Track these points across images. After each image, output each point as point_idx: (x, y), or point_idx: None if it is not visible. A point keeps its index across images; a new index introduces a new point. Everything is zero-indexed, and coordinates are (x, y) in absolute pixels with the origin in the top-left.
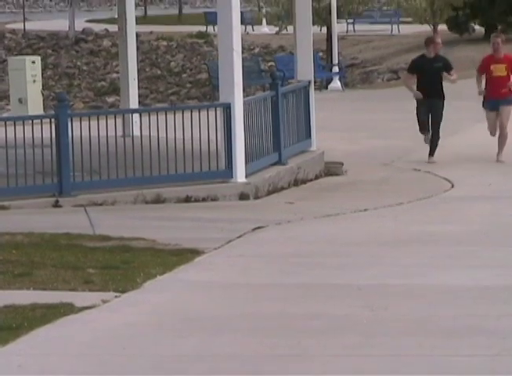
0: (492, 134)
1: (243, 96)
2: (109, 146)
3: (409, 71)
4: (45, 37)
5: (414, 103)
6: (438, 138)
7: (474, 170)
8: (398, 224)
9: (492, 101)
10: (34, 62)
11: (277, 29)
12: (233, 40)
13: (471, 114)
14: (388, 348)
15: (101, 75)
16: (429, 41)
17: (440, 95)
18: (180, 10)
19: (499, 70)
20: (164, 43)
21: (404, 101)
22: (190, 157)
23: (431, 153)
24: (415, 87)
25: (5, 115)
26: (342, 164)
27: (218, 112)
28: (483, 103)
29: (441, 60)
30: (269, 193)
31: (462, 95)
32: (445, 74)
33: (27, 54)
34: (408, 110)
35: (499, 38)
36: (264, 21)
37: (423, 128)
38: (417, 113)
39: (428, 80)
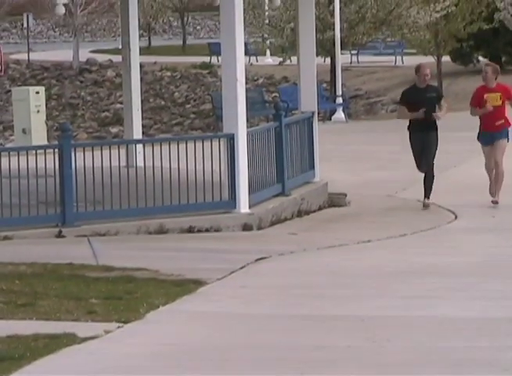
0: (489, 171)
1: (247, 127)
2: (112, 177)
3: (402, 103)
4: (49, 68)
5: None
6: (433, 176)
7: (477, 201)
8: (401, 256)
9: (486, 134)
10: (38, 92)
11: (281, 60)
12: (237, 71)
13: (474, 146)
14: None
15: (105, 105)
16: (418, 69)
17: (434, 128)
18: (184, 41)
19: (493, 99)
20: (168, 74)
21: (407, 132)
22: (194, 187)
23: (427, 194)
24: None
25: (8, 145)
26: (345, 195)
27: (221, 143)
28: (478, 135)
29: (433, 90)
30: (272, 223)
31: (464, 127)
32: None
33: (31, 84)
34: None
35: (489, 67)
36: (268, 52)
37: (420, 165)
38: (412, 149)
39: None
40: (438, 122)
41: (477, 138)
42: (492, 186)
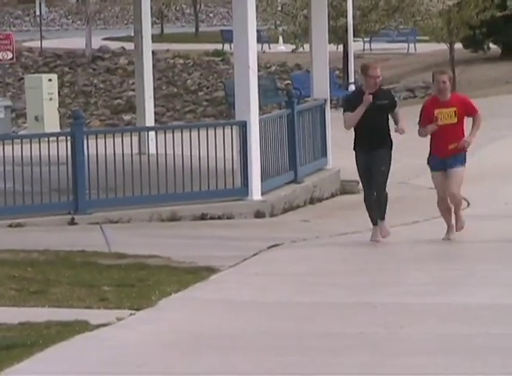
0: (444, 211)
1: (259, 114)
2: (125, 164)
3: (348, 109)
4: (62, 56)
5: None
6: (386, 200)
7: (490, 189)
8: (413, 242)
9: (437, 159)
10: (50, 80)
11: (293, 47)
12: (249, 58)
13: (487, 134)
14: (403, 368)
15: (117, 93)
16: (365, 70)
17: (386, 144)
18: (197, 28)
19: (447, 116)
20: (181, 61)
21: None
22: (206, 174)
23: (380, 217)
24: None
25: (21, 133)
26: (358, 182)
27: (234, 130)
28: (428, 159)
29: (385, 96)
30: (285, 211)
31: None
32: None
33: (44, 72)
34: None
35: (445, 75)
36: (280, 39)
37: (367, 198)
38: (359, 174)
39: (369, 124)
40: (392, 136)
41: (428, 162)
42: (449, 228)
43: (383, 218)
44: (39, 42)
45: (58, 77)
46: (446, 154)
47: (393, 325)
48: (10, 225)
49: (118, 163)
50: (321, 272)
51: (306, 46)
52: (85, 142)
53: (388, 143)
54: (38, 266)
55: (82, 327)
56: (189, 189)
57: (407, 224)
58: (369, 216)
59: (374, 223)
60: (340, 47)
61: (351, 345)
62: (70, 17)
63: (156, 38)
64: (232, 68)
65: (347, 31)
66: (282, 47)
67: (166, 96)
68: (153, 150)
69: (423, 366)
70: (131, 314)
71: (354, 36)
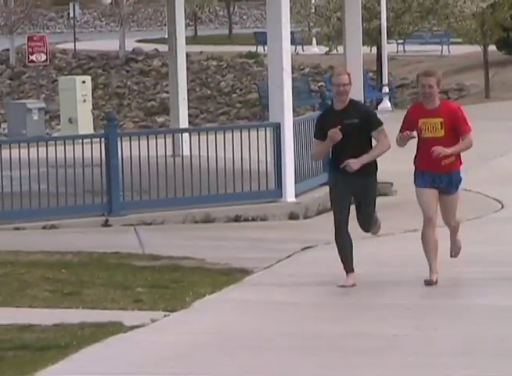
0: (430, 227)
1: (293, 116)
2: (158, 166)
3: (315, 136)
4: (96, 57)
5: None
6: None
7: None
8: (447, 245)
9: (425, 174)
10: (84, 82)
11: (327, 49)
12: (283, 60)
13: None
14: (437, 369)
15: (151, 95)
16: (331, 80)
17: (367, 170)
18: (230, 30)
19: (432, 127)
20: (214, 63)
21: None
22: (240, 176)
23: (350, 268)
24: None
25: (55, 135)
26: (392, 184)
27: (267, 132)
28: (414, 174)
29: (358, 113)
30: (319, 213)
31: (509, 116)
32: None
33: (78, 74)
34: None
35: (431, 78)
36: (314, 41)
37: (339, 234)
38: (332, 205)
39: (341, 147)
40: (377, 162)
41: (414, 180)
42: (432, 264)
43: (352, 267)
44: (73, 44)
45: (91, 79)
46: (437, 169)
47: (427, 327)
48: (44, 227)
49: (152, 165)
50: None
51: (339, 48)
52: (119, 144)
53: (370, 168)
54: (72, 268)
55: (116, 328)
56: (223, 191)
57: (441, 226)
58: (342, 260)
59: (349, 270)
60: (374, 49)
61: (386, 347)
62: (103, 19)
63: (189, 40)
64: (265, 70)
65: (380, 33)
66: (315, 49)
67: (199, 98)
68: (186, 152)
69: (457, 367)
70: (165, 315)
71: (387, 38)
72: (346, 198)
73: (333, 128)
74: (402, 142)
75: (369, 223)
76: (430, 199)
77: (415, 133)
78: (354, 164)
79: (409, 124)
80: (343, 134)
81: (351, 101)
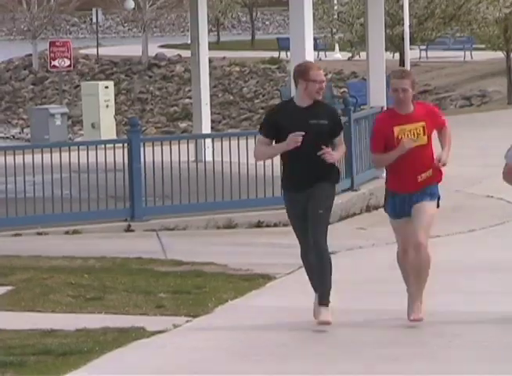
0: (405, 256)
1: None
2: (181, 171)
3: (265, 134)
4: (118, 63)
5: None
6: (329, 262)
7: None
8: (470, 251)
9: (397, 197)
10: (107, 87)
11: (350, 55)
12: None
13: None
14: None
15: (173, 100)
16: (304, 71)
17: (329, 178)
18: (253, 36)
19: (412, 135)
20: (237, 69)
21: (476, 128)
22: (262, 182)
23: (322, 299)
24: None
25: (78, 140)
26: None
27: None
28: (384, 202)
29: (326, 114)
30: (341, 218)
31: None
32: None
33: (100, 79)
34: (481, 137)
35: (405, 80)
36: (336, 47)
37: (304, 255)
38: (289, 218)
39: (303, 153)
40: (337, 166)
41: (384, 207)
42: (411, 290)
43: (324, 299)
44: (95, 49)
45: (114, 85)
46: (413, 189)
47: (448, 333)
48: (67, 232)
49: (174, 170)
50: (377, 279)
51: (362, 54)
52: (142, 149)
53: (333, 176)
54: (95, 273)
55: (139, 333)
56: (246, 196)
57: (463, 232)
58: (311, 282)
59: (320, 300)
60: (397, 55)
61: (407, 354)
62: (126, 25)
63: (212, 46)
64: (288, 76)
65: (403, 39)
66: (338, 55)
67: (222, 104)
68: (209, 158)
69: (480, 374)
70: (187, 321)
71: (410, 44)
72: (305, 215)
73: (295, 128)
74: (383, 161)
75: (319, 246)
76: (406, 232)
77: (409, 144)
78: (330, 154)
79: (381, 136)
80: (307, 137)
81: (318, 100)
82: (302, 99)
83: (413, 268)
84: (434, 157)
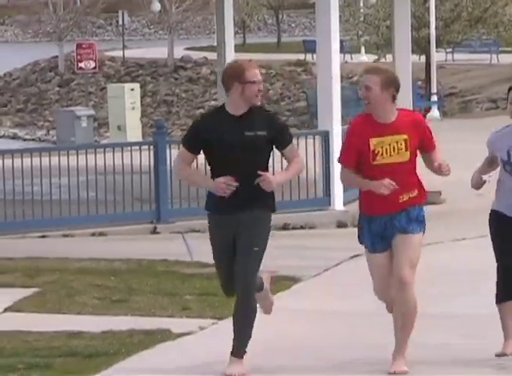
0: (382, 294)
1: (342, 124)
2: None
3: (187, 147)
4: (144, 65)
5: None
6: (253, 312)
7: None
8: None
9: (373, 222)
10: (132, 89)
11: (376, 58)
12: (332, 68)
13: None
14: None
15: (199, 103)
16: (238, 72)
17: (264, 204)
18: (279, 38)
19: (394, 149)
20: (263, 71)
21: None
22: (288, 184)
23: (236, 351)
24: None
25: (104, 142)
26: (440, 192)
27: (316, 140)
28: (358, 229)
29: (265, 123)
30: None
31: None
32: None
33: (126, 81)
34: None
35: (373, 76)
36: (362, 50)
37: (227, 289)
38: (213, 248)
39: (236, 170)
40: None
41: (359, 237)
42: (396, 336)
43: (241, 351)
44: (121, 52)
45: (140, 87)
46: (393, 210)
47: (475, 336)
48: (93, 234)
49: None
50: None
51: (388, 57)
52: (168, 151)
53: (269, 201)
54: (121, 275)
55: (164, 335)
56: None
57: (487, 235)
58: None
59: (235, 351)
60: (423, 58)
61: (434, 356)
62: (152, 27)
63: (238, 48)
64: (314, 78)
65: (429, 42)
66: (364, 57)
67: None
68: None
69: None
70: (213, 323)
71: (436, 47)
72: (231, 249)
73: (226, 142)
74: (353, 181)
75: (246, 280)
76: (381, 272)
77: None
78: (269, 183)
79: (353, 149)
80: (240, 150)
81: (255, 106)
82: (237, 105)
83: (398, 311)
84: (434, 164)
